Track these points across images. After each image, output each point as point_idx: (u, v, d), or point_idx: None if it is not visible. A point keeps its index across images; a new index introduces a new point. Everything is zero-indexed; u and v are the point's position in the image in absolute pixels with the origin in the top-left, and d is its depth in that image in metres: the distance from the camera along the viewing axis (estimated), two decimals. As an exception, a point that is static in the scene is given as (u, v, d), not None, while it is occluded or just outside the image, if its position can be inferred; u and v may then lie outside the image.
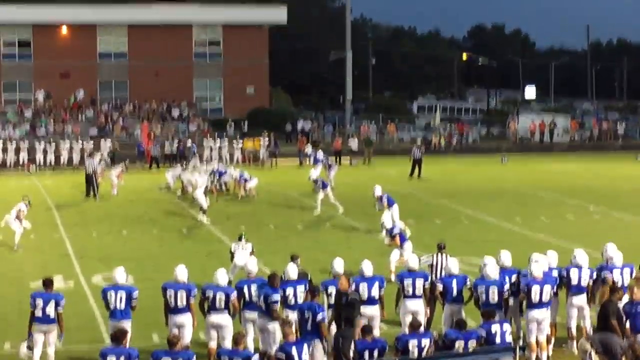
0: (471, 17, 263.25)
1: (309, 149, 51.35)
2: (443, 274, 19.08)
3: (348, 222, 34.70)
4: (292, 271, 17.79)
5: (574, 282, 18.13)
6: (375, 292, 17.74)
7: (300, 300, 17.34)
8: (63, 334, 17.40)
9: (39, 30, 78.16)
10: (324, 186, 37.45)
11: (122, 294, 17.24)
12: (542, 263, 17.96)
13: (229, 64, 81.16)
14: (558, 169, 54.94)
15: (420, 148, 49.86)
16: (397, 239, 25.06)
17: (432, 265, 20.31)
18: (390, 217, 29.83)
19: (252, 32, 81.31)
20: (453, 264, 18.29)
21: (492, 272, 17.64)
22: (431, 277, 19.13)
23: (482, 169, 54.66)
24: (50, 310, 17.01)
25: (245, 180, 41.26)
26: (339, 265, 18.01)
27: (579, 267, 18.26)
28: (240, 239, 23.93)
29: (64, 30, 78.75)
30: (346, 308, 16.36)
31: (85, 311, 21.53)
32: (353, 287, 17.41)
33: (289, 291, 17.39)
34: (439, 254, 20.33)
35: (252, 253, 22.37)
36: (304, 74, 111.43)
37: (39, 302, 17.01)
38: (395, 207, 31.24)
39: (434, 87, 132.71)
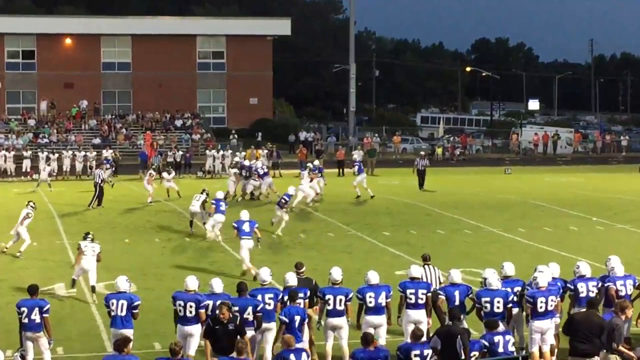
0: (475, 31, 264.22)
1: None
2: (435, 284, 19.02)
3: (350, 232, 34.62)
4: (292, 279, 17.77)
5: (582, 294, 18.02)
6: (382, 301, 17.69)
7: (300, 307, 17.33)
8: (52, 339, 17.37)
9: (43, 41, 78.48)
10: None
11: (124, 302, 17.21)
12: (547, 274, 17.89)
13: (232, 75, 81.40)
14: (561, 180, 54.88)
15: (424, 159, 49.69)
16: None
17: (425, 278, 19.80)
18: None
19: (256, 43, 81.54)
20: (456, 274, 18.21)
21: (495, 282, 17.58)
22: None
23: (486, 180, 54.60)
24: (36, 316, 16.96)
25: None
26: (337, 273, 17.96)
27: (585, 279, 18.20)
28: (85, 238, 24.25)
29: (68, 40, 78.94)
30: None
31: (87, 319, 21.47)
32: (359, 295, 17.51)
33: (287, 298, 17.34)
34: (426, 266, 20.06)
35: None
36: (308, 85, 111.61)
37: (24, 310, 16.98)
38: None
39: (437, 100, 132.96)
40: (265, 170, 44.28)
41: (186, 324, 17.09)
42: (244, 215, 25.14)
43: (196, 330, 17.06)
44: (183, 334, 17.08)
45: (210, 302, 17.10)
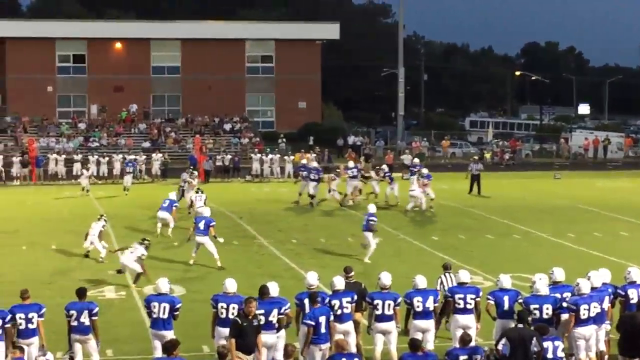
0: (525, 35, 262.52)
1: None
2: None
3: (399, 236, 34.55)
4: (339, 283, 17.73)
5: (633, 300, 17.85)
6: (429, 305, 17.63)
7: (347, 311, 17.31)
8: (100, 341, 17.46)
9: (93, 45, 79.05)
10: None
11: (166, 305, 17.28)
12: (593, 279, 17.74)
13: (281, 79, 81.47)
14: (611, 185, 54.42)
15: (477, 163, 49.21)
16: None
17: (442, 285, 19.86)
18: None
19: (305, 47, 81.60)
20: (506, 280, 18.08)
21: (543, 288, 17.45)
22: (443, 293, 18.83)
23: (535, 185, 54.24)
24: (85, 319, 17.06)
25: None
26: (386, 278, 17.90)
27: (636, 285, 18.03)
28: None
29: (118, 45, 79.46)
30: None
31: (135, 322, 21.57)
32: (407, 300, 17.48)
33: (335, 302, 17.32)
34: (445, 274, 20.07)
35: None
36: (356, 89, 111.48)
37: (73, 313, 17.08)
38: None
39: (486, 104, 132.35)
40: (355, 173, 43.94)
41: (228, 326, 16.94)
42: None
43: None
44: (222, 336, 17.07)
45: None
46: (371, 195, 43.68)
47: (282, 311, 16.95)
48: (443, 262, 22.41)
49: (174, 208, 34.49)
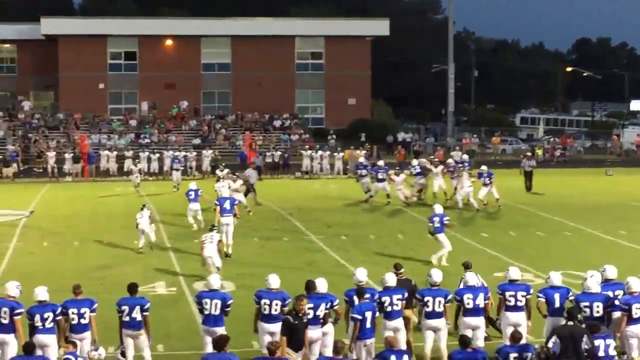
0: (576, 30, 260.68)
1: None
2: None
3: (447, 232, 34.42)
4: (390, 279, 17.72)
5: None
6: (479, 302, 17.58)
7: (397, 308, 17.32)
8: (151, 337, 17.60)
9: (144, 42, 79.57)
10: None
11: (218, 301, 17.35)
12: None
13: (331, 76, 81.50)
14: (664, 182, 53.83)
15: (530, 159, 48.73)
16: None
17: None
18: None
19: (355, 44, 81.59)
20: (556, 277, 17.97)
21: (594, 286, 17.33)
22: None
23: (586, 182, 53.83)
24: (137, 315, 17.18)
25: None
26: (437, 275, 17.86)
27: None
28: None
29: (169, 42, 79.91)
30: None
31: (186, 317, 21.70)
32: (457, 297, 17.45)
33: (385, 299, 17.33)
34: (468, 273, 19.78)
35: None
36: (406, 85, 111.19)
37: (125, 308, 17.20)
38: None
39: (537, 100, 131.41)
40: (419, 170, 43.83)
41: (271, 321, 17.16)
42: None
43: (279, 328, 17.15)
44: (267, 331, 17.14)
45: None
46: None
47: (329, 306, 16.99)
48: (493, 259, 22.38)
49: (199, 195, 35.28)
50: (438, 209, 28.80)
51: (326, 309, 16.91)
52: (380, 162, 44.96)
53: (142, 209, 31.31)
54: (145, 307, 17.30)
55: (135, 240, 31.21)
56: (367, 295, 17.19)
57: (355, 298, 17.14)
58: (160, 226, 36.39)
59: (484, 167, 42.42)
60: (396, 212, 40.08)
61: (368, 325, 16.62)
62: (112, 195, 47.45)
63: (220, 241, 26.21)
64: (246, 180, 41.39)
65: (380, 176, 42.63)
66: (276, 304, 17.12)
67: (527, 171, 47.55)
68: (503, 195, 44.63)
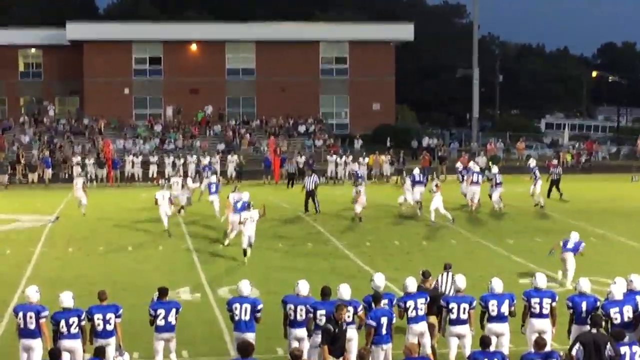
0: (601, 35, 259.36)
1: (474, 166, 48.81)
2: (450, 293, 18.93)
3: (472, 239, 34.37)
4: (411, 284, 17.70)
5: None
6: (504, 309, 17.52)
7: (421, 312, 17.31)
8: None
9: (169, 47, 79.82)
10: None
11: (247, 306, 17.38)
12: None
13: (355, 81, 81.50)
14: (691, 188, 53.55)
15: (557, 167, 48.43)
16: None
17: (438, 284, 19.90)
18: None
19: (379, 49, 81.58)
20: (585, 283, 17.85)
21: (619, 294, 17.24)
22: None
23: (612, 188, 53.60)
24: (172, 318, 17.36)
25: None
26: (461, 282, 17.83)
27: None
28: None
29: (194, 47, 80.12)
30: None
31: (211, 323, 21.74)
32: (482, 303, 17.42)
33: (410, 303, 17.31)
34: (445, 274, 20.07)
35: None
36: (430, 90, 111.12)
37: (161, 312, 17.33)
38: None
39: (562, 105, 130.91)
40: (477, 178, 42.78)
41: (296, 327, 17.23)
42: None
43: (305, 333, 17.19)
44: (295, 337, 17.18)
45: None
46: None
47: (352, 312, 16.99)
48: (518, 265, 22.30)
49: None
50: (574, 236, 27.11)
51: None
52: (472, 164, 45.73)
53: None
54: (180, 310, 17.57)
55: (160, 246, 31.30)
56: (385, 301, 17.20)
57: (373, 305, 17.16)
58: (184, 231, 36.53)
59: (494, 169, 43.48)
60: (420, 219, 40.01)
61: (384, 331, 16.64)
62: (139, 199, 47.53)
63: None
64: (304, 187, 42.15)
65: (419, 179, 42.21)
66: (301, 310, 17.16)
67: (554, 179, 47.18)
68: (528, 201, 44.51)
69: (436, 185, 38.57)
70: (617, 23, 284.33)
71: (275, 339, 19.48)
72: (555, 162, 50.91)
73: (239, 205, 31.42)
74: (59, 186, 56.63)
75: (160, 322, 17.33)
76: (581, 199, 47.16)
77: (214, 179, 40.15)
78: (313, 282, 18.25)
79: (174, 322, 17.39)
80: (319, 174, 48.45)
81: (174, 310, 17.41)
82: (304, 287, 17.46)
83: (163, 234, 35.32)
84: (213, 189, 39.72)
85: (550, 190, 46.97)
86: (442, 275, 20.21)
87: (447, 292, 19.36)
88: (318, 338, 16.63)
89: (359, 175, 48.28)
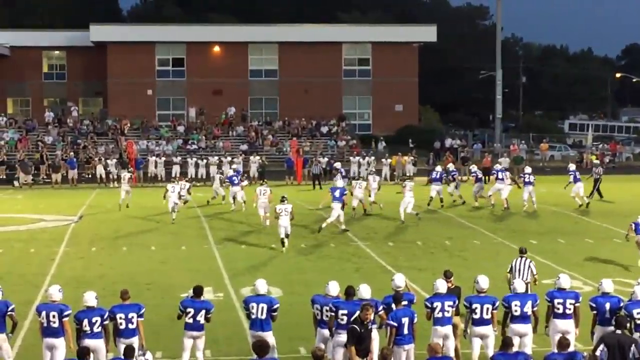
0: (625, 36, 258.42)
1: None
2: (527, 279, 19.90)
3: (496, 240, 34.26)
4: (442, 286, 17.63)
5: None
6: (527, 310, 17.44)
7: (448, 315, 17.24)
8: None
9: (192, 49, 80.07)
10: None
11: (264, 305, 17.34)
12: None
13: (378, 82, 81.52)
14: None
15: (598, 167, 48.69)
16: None
17: (511, 269, 21.18)
18: None
19: (402, 50, 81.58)
20: (608, 284, 17.76)
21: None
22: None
23: (635, 189, 53.31)
24: (201, 318, 17.35)
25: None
26: (484, 282, 17.74)
27: None
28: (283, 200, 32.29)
29: (217, 48, 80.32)
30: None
31: (233, 322, 21.74)
32: (505, 304, 17.43)
33: (437, 304, 17.25)
34: (520, 259, 21.21)
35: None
36: (453, 92, 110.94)
37: (191, 311, 17.32)
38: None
39: (585, 106, 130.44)
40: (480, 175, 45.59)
41: (324, 327, 17.16)
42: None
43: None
44: (323, 337, 17.15)
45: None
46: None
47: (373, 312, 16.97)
48: (542, 266, 22.24)
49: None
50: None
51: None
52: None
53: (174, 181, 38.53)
54: (212, 311, 17.55)
55: (183, 246, 31.35)
56: (405, 302, 17.15)
57: (394, 305, 17.11)
58: (207, 231, 36.58)
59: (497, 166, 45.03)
60: (443, 219, 39.94)
61: (405, 331, 16.56)
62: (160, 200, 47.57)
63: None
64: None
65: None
66: (326, 310, 17.13)
67: (595, 178, 47.41)
68: (551, 202, 44.38)
69: (403, 187, 39.57)
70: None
71: (298, 339, 19.48)
72: (596, 162, 50.96)
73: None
74: (82, 186, 56.87)
75: (189, 320, 17.36)
76: (605, 200, 46.94)
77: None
78: (337, 282, 18.17)
79: (202, 322, 17.37)
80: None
81: (204, 311, 17.39)
82: (333, 288, 17.41)
83: (184, 234, 35.50)
84: (236, 180, 42.71)
85: (597, 192, 46.93)
86: (518, 260, 21.09)
87: (523, 278, 20.22)
88: (340, 337, 16.62)
89: (343, 173, 48.04)
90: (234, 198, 42.79)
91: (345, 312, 16.69)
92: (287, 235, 31.85)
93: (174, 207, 39.14)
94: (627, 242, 29.30)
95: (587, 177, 48.33)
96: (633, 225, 28.61)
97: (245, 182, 45.34)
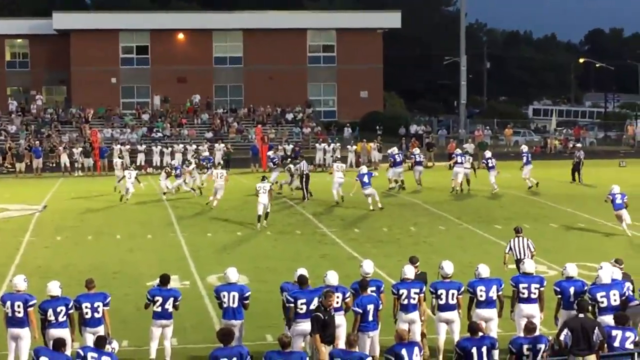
0: (588, 22, 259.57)
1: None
2: (526, 257, 20.30)
3: (461, 225, 34.39)
4: (409, 272, 17.66)
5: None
6: (492, 294, 17.53)
7: (414, 302, 17.27)
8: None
9: (156, 36, 79.71)
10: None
11: (235, 294, 17.34)
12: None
13: (343, 69, 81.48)
14: (678, 173, 53.55)
15: (579, 150, 49.72)
16: None
17: (511, 249, 21.97)
18: None
19: (366, 36, 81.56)
20: (572, 268, 17.87)
21: (606, 277, 17.26)
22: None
23: (599, 173, 53.56)
24: (169, 306, 17.40)
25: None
26: (449, 267, 17.77)
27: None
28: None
29: (181, 36, 80.00)
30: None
31: (200, 311, 21.72)
32: (470, 289, 17.48)
33: (403, 291, 17.28)
34: (517, 238, 21.98)
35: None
36: (418, 78, 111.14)
37: (159, 299, 17.35)
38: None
39: (550, 92, 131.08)
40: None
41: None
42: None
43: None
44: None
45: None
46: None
47: (340, 299, 16.98)
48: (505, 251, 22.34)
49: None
50: (616, 188, 32.38)
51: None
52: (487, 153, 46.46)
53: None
54: (179, 299, 17.61)
55: (149, 235, 31.25)
56: (372, 288, 17.18)
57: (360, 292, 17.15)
58: (173, 219, 36.52)
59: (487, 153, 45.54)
60: (409, 205, 40.05)
61: (370, 318, 16.60)
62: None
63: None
64: (300, 170, 42.29)
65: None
66: (285, 300, 17.18)
67: (576, 162, 48.14)
68: (516, 187, 44.60)
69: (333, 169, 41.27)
70: (604, 9, 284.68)
71: (266, 326, 19.49)
72: (578, 145, 51.58)
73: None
74: (46, 175, 56.55)
75: (157, 309, 17.38)
76: (569, 185, 47.23)
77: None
78: (306, 270, 18.17)
79: (170, 310, 17.43)
80: (307, 161, 48.27)
81: (172, 299, 17.43)
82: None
83: (151, 223, 35.43)
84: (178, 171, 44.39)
85: (574, 174, 47.47)
86: (516, 239, 21.88)
87: (522, 257, 20.99)
88: (298, 327, 16.71)
89: (275, 161, 48.33)
90: (178, 188, 44.17)
91: (304, 300, 16.70)
92: (266, 215, 33.81)
93: (127, 191, 41.71)
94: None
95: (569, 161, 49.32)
96: (610, 196, 29.91)
97: (192, 167, 45.44)
